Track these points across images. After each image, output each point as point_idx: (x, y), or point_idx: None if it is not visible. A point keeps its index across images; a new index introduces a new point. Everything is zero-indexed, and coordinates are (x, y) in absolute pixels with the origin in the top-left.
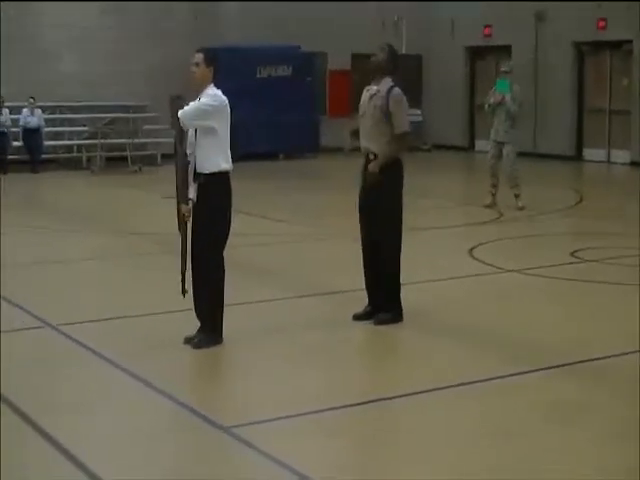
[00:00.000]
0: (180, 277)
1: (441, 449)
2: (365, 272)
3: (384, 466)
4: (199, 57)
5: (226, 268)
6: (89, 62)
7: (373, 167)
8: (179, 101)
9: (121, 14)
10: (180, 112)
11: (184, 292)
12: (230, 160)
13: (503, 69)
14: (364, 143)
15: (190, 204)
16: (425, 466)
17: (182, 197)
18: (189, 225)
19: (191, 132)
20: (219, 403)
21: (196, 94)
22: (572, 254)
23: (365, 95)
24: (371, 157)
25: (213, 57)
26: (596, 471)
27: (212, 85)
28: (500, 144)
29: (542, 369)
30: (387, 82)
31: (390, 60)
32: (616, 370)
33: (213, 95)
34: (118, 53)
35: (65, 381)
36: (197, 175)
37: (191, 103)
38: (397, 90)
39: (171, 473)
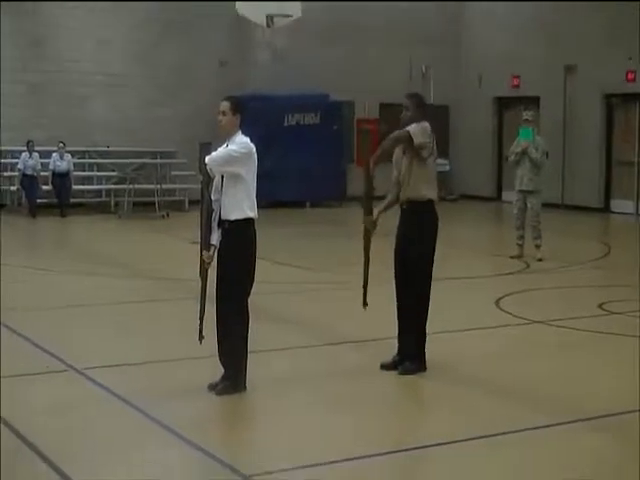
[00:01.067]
0: (198, 322)
1: None
2: (399, 321)
3: None
4: (225, 105)
5: (251, 315)
6: (119, 108)
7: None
8: (208, 148)
9: (150, 61)
10: (207, 158)
11: (201, 338)
12: (255, 208)
13: (525, 118)
14: (402, 192)
15: (212, 250)
16: None
17: (204, 243)
18: (210, 271)
19: (218, 178)
20: (241, 451)
21: (224, 141)
22: (600, 306)
23: (397, 149)
24: (404, 205)
25: (239, 105)
26: None
27: (239, 132)
28: (525, 193)
29: (566, 422)
30: None
31: (416, 111)
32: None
33: (241, 142)
34: (147, 100)
35: (88, 425)
36: (222, 222)
37: (219, 149)
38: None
39: None
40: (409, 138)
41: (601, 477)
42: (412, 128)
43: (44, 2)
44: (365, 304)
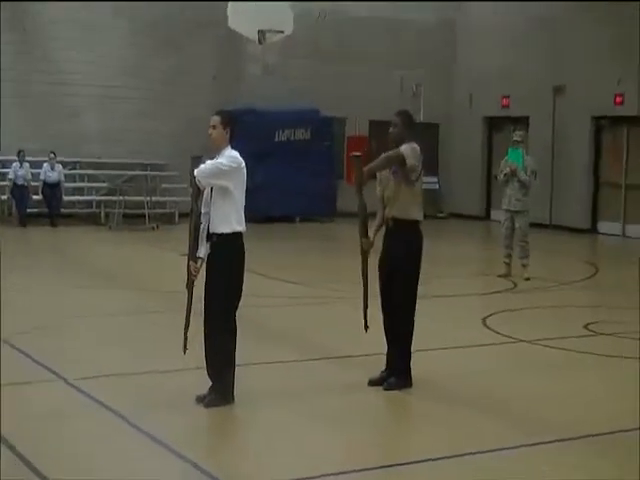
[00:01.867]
0: (183, 334)
1: None
2: (386, 338)
3: None
4: (216, 120)
5: (240, 329)
6: (110, 120)
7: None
8: (199, 161)
9: (143, 74)
10: (196, 170)
11: (185, 349)
12: (243, 221)
13: (515, 139)
14: (388, 210)
15: (200, 263)
16: None
17: (192, 255)
18: (199, 284)
19: (207, 191)
20: (229, 463)
21: (215, 155)
22: (585, 327)
23: None
24: (390, 223)
25: (230, 119)
26: None
27: (229, 147)
28: (513, 213)
29: (545, 442)
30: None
31: (405, 129)
32: (621, 445)
33: (230, 156)
34: (139, 112)
35: (76, 435)
36: (210, 235)
37: (208, 162)
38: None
39: None
40: (402, 159)
41: None
42: (404, 149)
43: (40, 15)
44: (366, 327)
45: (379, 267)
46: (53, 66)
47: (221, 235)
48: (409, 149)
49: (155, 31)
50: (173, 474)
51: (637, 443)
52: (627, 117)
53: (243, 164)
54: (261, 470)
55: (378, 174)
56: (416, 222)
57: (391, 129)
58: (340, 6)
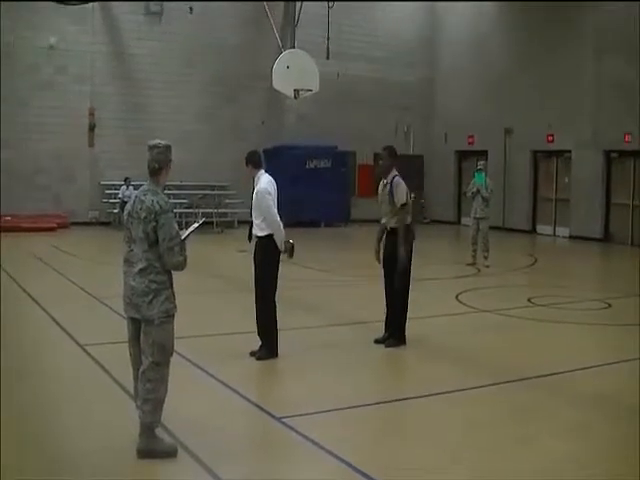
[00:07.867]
0: None
1: (435, 435)
2: (386, 310)
3: (395, 446)
4: (249, 169)
5: (281, 303)
6: (188, 154)
7: (401, 253)
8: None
9: (210, 120)
10: (277, 237)
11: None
12: None
13: (479, 167)
14: (383, 219)
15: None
16: (421, 442)
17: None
18: (248, 270)
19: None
20: (273, 399)
21: (253, 180)
22: (528, 300)
23: (381, 187)
24: (389, 228)
25: (257, 160)
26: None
27: (263, 172)
28: (478, 219)
29: (504, 382)
30: (392, 174)
31: (389, 160)
32: (560, 383)
33: (267, 181)
34: (208, 148)
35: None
36: (258, 237)
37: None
38: (397, 178)
39: (231, 450)
40: (404, 203)
41: (530, 419)
42: (402, 196)
43: (145, 84)
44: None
45: (383, 263)
46: (150, 116)
47: (265, 236)
48: (403, 194)
49: (219, 89)
50: (229, 406)
51: (569, 381)
52: (556, 150)
53: (274, 184)
54: (295, 404)
55: (379, 197)
56: (407, 226)
57: (380, 162)
58: (351, 69)
